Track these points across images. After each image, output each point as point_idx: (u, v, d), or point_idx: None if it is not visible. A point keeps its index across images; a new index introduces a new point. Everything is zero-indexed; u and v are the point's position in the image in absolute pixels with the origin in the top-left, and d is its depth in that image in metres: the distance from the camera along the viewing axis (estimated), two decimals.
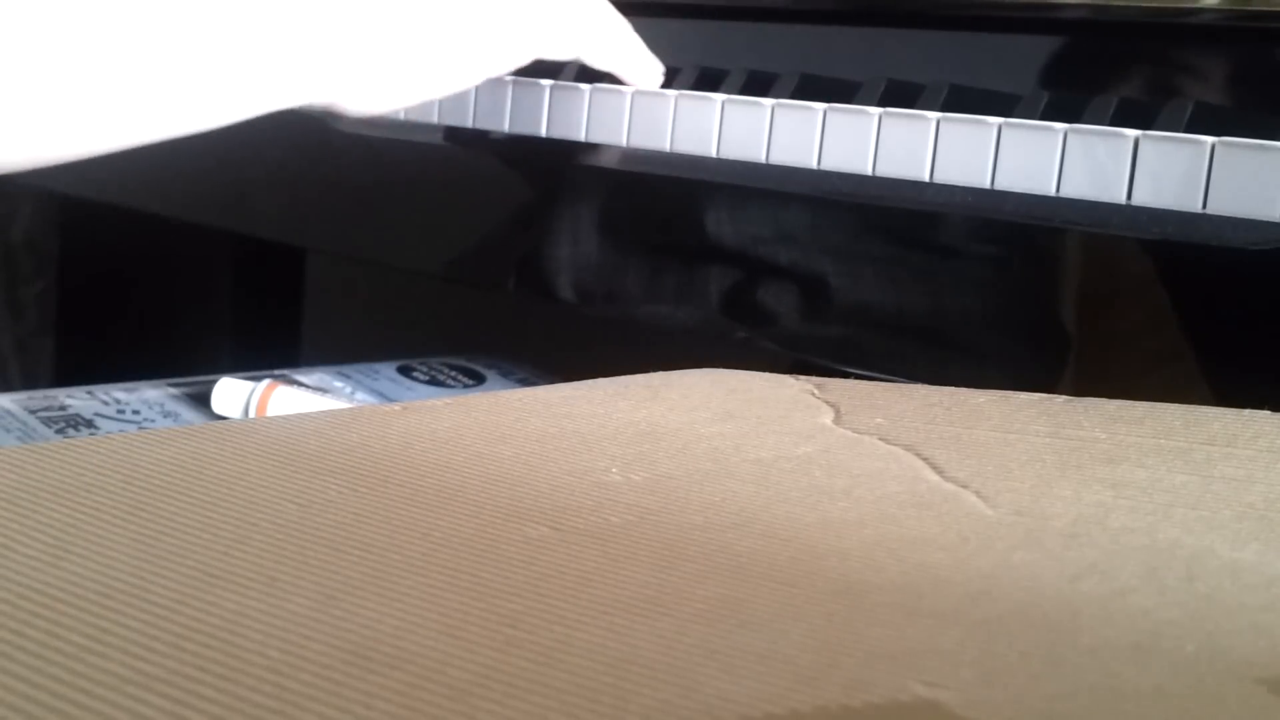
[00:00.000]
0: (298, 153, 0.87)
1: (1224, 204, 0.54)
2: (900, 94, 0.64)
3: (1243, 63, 0.61)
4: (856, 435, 0.45)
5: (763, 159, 0.66)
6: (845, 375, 0.56)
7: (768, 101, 0.66)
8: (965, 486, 0.39)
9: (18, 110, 0.58)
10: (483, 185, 0.79)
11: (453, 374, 0.86)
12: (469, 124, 0.78)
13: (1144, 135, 0.56)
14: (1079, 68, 0.65)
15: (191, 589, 0.30)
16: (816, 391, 0.50)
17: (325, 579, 0.31)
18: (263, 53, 0.63)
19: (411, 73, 0.67)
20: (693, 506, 0.37)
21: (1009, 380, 0.54)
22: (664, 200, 0.69)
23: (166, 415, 0.73)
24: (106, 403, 0.74)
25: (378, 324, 1.23)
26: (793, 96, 0.67)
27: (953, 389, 0.51)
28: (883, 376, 0.58)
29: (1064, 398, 0.49)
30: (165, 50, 0.61)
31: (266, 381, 0.73)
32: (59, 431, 0.69)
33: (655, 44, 0.77)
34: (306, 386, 0.76)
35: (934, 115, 0.61)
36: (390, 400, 0.79)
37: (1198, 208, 0.54)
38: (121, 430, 0.70)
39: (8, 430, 0.69)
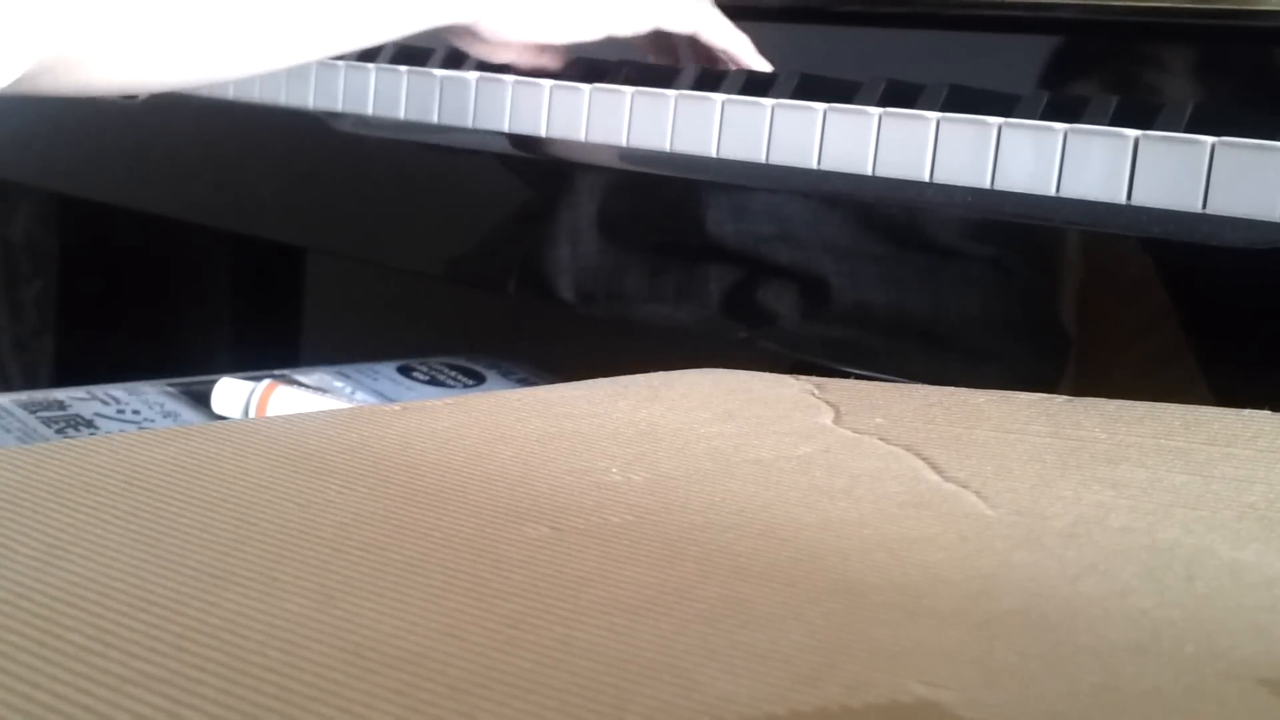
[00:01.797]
0: (298, 153, 0.87)
1: (1224, 204, 0.54)
2: (900, 94, 0.64)
3: (1242, 63, 0.61)
4: (856, 435, 0.45)
5: (763, 159, 0.66)
6: (845, 375, 0.56)
7: (768, 101, 0.66)
8: (965, 486, 0.39)
9: (198, 31, 0.64)
10: (482, 185, 0.79)
11: (453, 374, 0.86)
12: (469, 124, 0.78)
13: (1144, 135, 0.56)
14: (1079, 68, 0.65)
15: (192, 589, 0.30)
16: (816, 391, 0.50)
17: (325, 579, 0.31)
18: None
19: (549, 12, 0.73)
20: (693, 506, 0.37)
21: (1009, 380, 0.54)
22: (664, 200, 0.69)
23: (166, 415, 0.73)
24: (106, 403, 0.74)
25: (378, 324, 1.23)
26: (793, 96, 0.67)
27: (953, 389, 0.51)
28: (883, 376, 0.58)
29: (1064, 398, 0.49)
30: None
31: (266, 381, 0.73)
32: (59, 431, 0.69)
33: None
34: (306, 386, 0.76)
35: (934, 115, 0.61)
36: (390, 400, 0.79)
37: (1198, 208, 0.54)
38: (121, 430, 0.70)
39: (8, 430, 0.69)
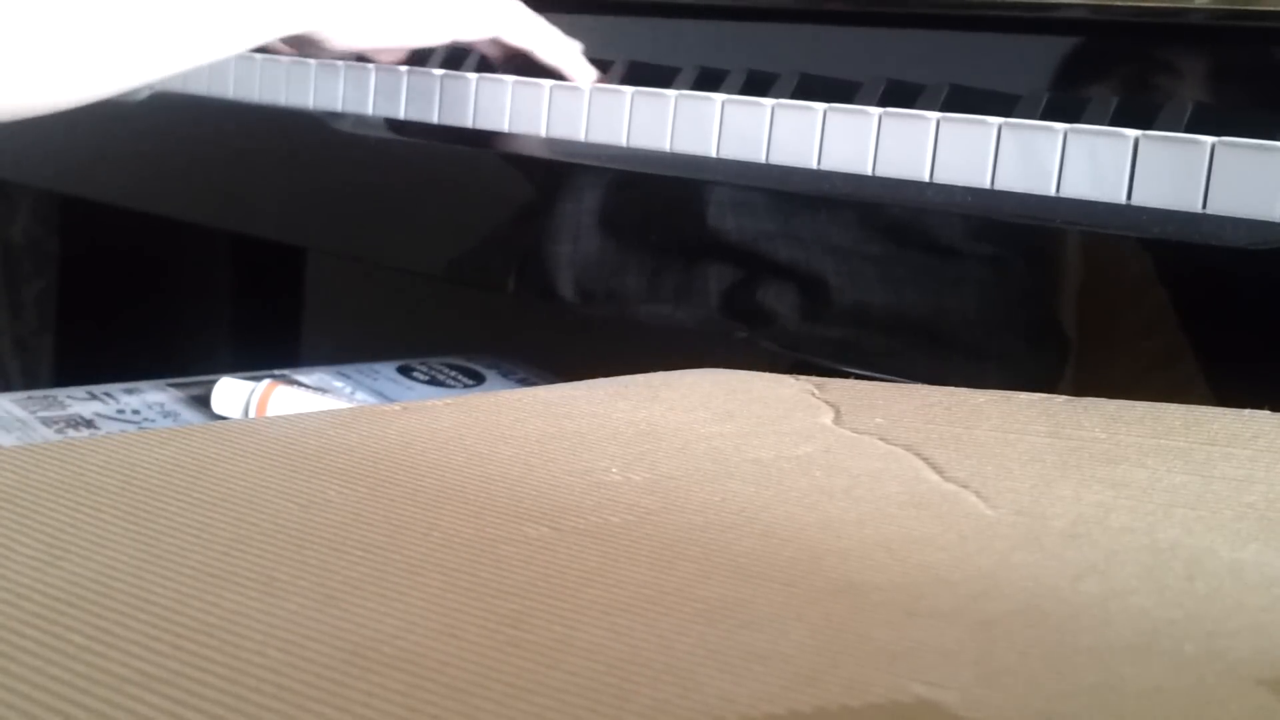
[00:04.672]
0: (298, 153, 0.87)
1: (1224, 204, 0.54)
2: (900, 94, 0.64)
3: (1242, 63, 0.61)
4: (856, 435, 0.45)
5: (763, 159, 0.66)
6: (845, 375, 0.56)
7: (768, 101, 0.66)
8: (965, 486, 0.39)
9: (20, 56, 0.62)
10: (482, 185, 0.79)
11: (453, 374, 0.86)
12: (469, 124, 0.78)
13: (1144, 135, 0.56)
14: (1079, 68, 0.65)
15: (191, 589, 0.30)
16: (816, 391, 0.50)
17: (325, 579, 0.31)
18: None
19: (388, 16, 0.74)
20: (693, 506, 0.37)
21: (1009, 380, 0.54)
22: (664, 200, 0.69)
23: (166, 415, 0.73)
24: (106, 403, 0.74)
25: (378, 324, 1.23)
26: (793, 96, 0.67)
27: (953, 389, 0.51)
28: (883, 376, 0.58)
29: (1064, 398, 0.49)
30: None
31: (266, 381, 0.73)
32: (59, 431, 0.69)
33: (656, 44, 0.77)
34: (306, 386, 0.76)
35: (934, 115, 0.61)
36: (390, 400, 0.79)
37: (1198, 208, 0.54)
38: (121, 430, 0.70)
39: (8, 430, 0.69)
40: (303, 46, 0.75)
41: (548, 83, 0.75)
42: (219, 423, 0.61)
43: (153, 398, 0.75)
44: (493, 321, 1.05)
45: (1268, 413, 0.46)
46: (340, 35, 0.72)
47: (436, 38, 0.76)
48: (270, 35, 0.70)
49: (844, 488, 0.39)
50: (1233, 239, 0.52)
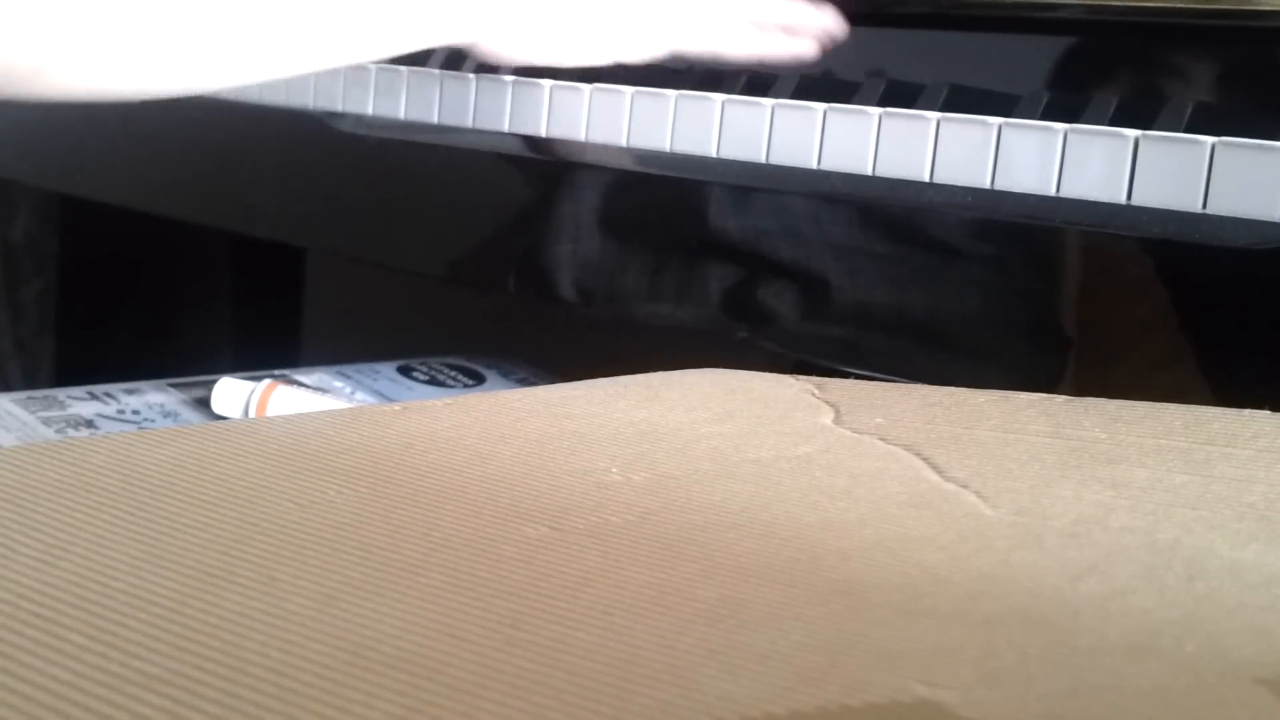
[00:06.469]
0: (298, 153, 0.87)
1: (1224, 204, 0.54)
2: (900, 94, 0.64)
3: (1242, 63, 0.61)
4: (856, 435, 0.45)
5: (763, 159, 0.66)
6: (845, 375, 0.56)
7: (768, 101, 0.66)
8: (965, 486, 0.39)
9: (205, 42, 0.64)
10: (482, 185, 0.79)
11: (453, 374, 0.86)
12: (469, 124, 0.78)
13: (1144, 135, 0.56)
14: (1079, 68, 0.65)
15: (192, 589, 0.30)
16: (816, 391, 0.50)
17: (325, 579, 0.31)
18: None
19: (551, 35, 0.72)
20: (693, 506, 0.37)
21: (1009, 380, 0.54)
22: (664, 200, 0.69)
23: (166, 415, 0.73)
24: (106, 403, 0.74)
25: (378, 324, 1.23)
26: (793, 96, 0.67)
27: (953, 389, 0.51)
28: (883, 376, 0.58)
29: (1064, 398, 0.49)
30: None
31: (266, 381, 0.73)
32: (59, 431, 0.69)
33: None
34: (306, 386, 0.76)
35: (934, 115, 0.61)
36: (390, 400, 0.79)
37: (1198, 208, 0.54)
38: (121, 430, 0.70)
39: (8, 430, 0.69)
40: (473, 56, 0.74)
41: (548, 83, 0.75)
42: (219, 423, 0.61)
43: (153, 398, 0.75)
44: (493, 321, 1.05)
45: (1268, 413, 0.46)
46: (501, 50, 0.71)
47: (600, 60, 0.71)
48: (426, 44, 0.70)
49: (844, 488, 0.39)
50: (1233, 239, 0.52)
